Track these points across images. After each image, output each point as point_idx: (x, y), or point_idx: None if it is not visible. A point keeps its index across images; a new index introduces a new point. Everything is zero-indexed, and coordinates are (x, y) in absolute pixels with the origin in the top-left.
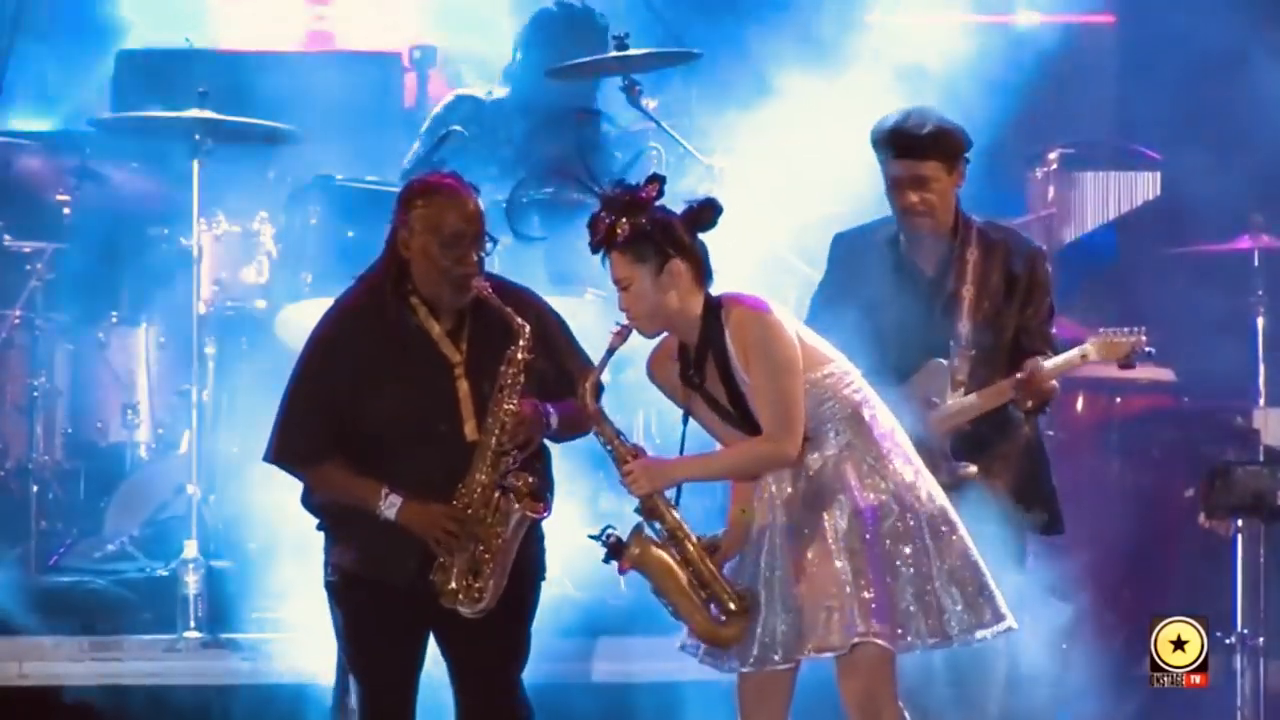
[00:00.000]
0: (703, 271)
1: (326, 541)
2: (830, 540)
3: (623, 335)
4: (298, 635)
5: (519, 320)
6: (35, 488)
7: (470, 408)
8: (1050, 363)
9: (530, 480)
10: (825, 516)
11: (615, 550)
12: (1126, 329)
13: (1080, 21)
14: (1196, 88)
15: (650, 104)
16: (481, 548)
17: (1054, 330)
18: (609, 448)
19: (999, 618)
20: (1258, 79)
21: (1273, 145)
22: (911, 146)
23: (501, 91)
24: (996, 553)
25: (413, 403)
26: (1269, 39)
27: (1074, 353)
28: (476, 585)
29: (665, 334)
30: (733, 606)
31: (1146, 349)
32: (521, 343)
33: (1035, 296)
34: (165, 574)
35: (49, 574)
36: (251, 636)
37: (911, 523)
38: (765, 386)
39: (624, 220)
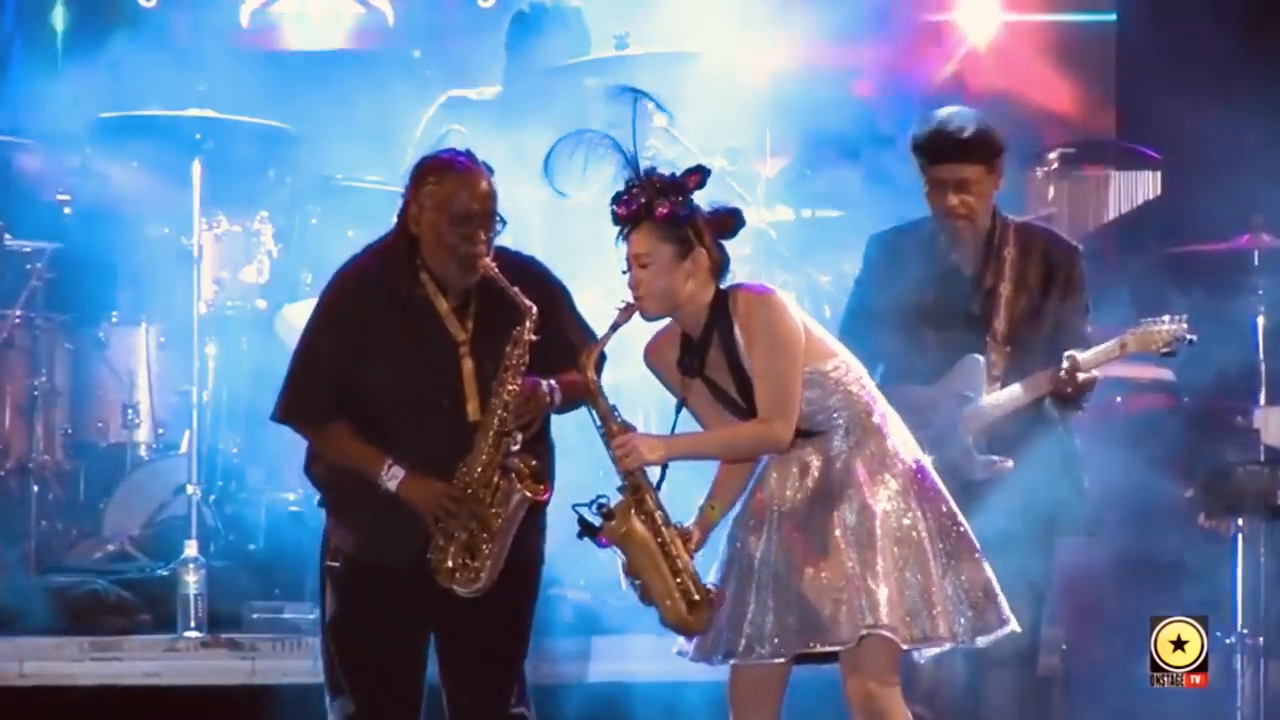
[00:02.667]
0: (720, 268)
1: (327, 521)
2: (839, 535)
3: (628, 313)
4: (298, 635)
5: (526, 301)
6: (35, 487)
7: (474, 386)
8: (1089, 353)
9: (533, 463)
10: (835, 513)
11: (596, 524)
12: (1167, 317)
13: (1080, 22)
14: (1197, 86)
15: (649, 104)
16: (480, 528)
17: (1089, 329)
18: (600, 424)
19: (1002, 621)
20: (1258, 77)
21: (1274, 144)
22: (954, 150)
23: (490, 91)
24: (1023, 554)
25: (416, 377)
26: (1269, 37)
27: (1113, 343)
28: (474, 565)
29: (664, 321)
30: (697, 597)
31: (1189, 336)
32: (528, 323)
33: (1071, 295)
34: (165, 574)
35: (49, 574)
36: (251, 636)
37: (919, 523)
38: (763, 366)
39: (662, 199)
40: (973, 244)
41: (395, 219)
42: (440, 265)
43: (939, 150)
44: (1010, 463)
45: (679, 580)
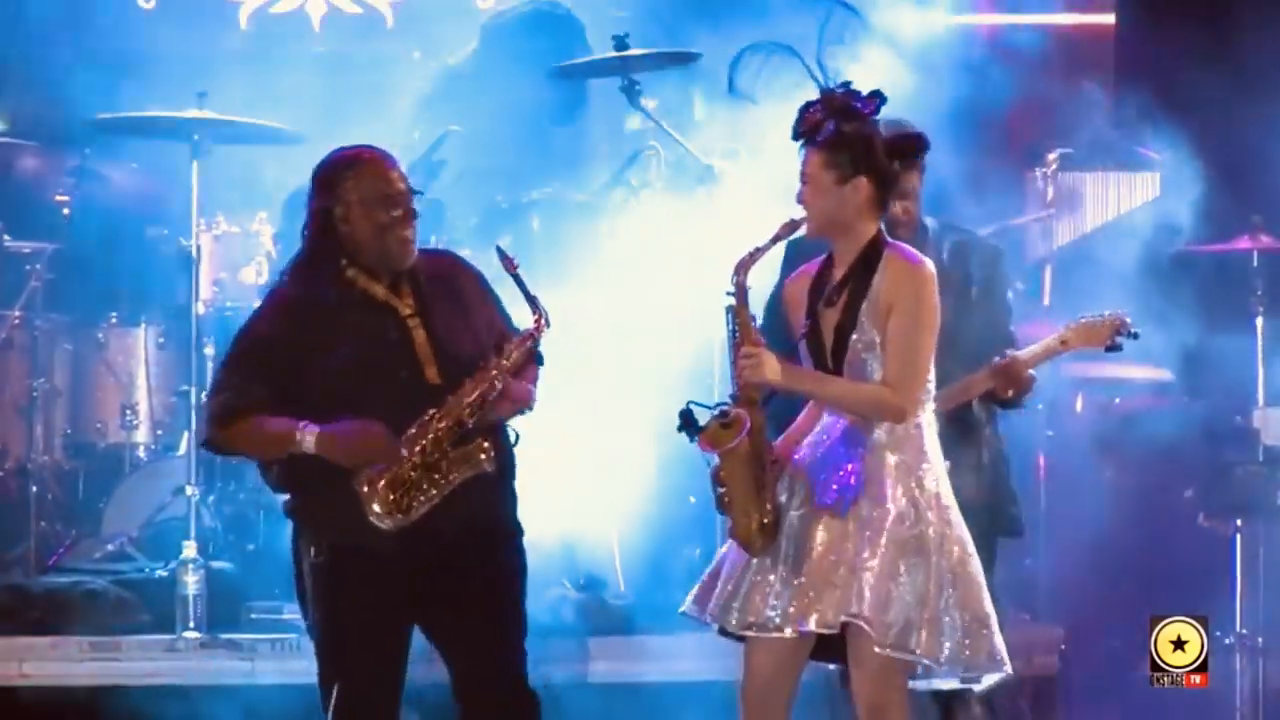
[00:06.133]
0: (885, 199)
1: (301, 524)
2: (852, 523)
3: (791, 227)
4: (297, 635)
5: (541, 313)
6: (34, 488)
7: (429, 352)
8: (1026, 351)
9: (499, 442)
10: (850, 499)
11: (699, 425)
12: (1106, 311)
13: (1080, 22)
14: (1196, 86)
15: (650, 104)
16: (433, 472)
17: (1012, 328)
18: (736, 331)
19: (996, 661)
20: (1258, 78)
21: (1273, 145)
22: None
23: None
24: None
25: (369, 355)
26: (1268, 37)
27: (1052, 339)
28: (405, 501)
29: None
30: (767, 521)
31: (1131, 330)
32: (540, 329)
33: (995, 295)
34: (164, 574)
35: (48, 574)
36: (250, 637)
37: (927, 536)
38: (903, 338)
39: (832, 122)
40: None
41: (306, 230)
42: (380, 252)
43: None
44: (946, 462)
45: (762, 499)
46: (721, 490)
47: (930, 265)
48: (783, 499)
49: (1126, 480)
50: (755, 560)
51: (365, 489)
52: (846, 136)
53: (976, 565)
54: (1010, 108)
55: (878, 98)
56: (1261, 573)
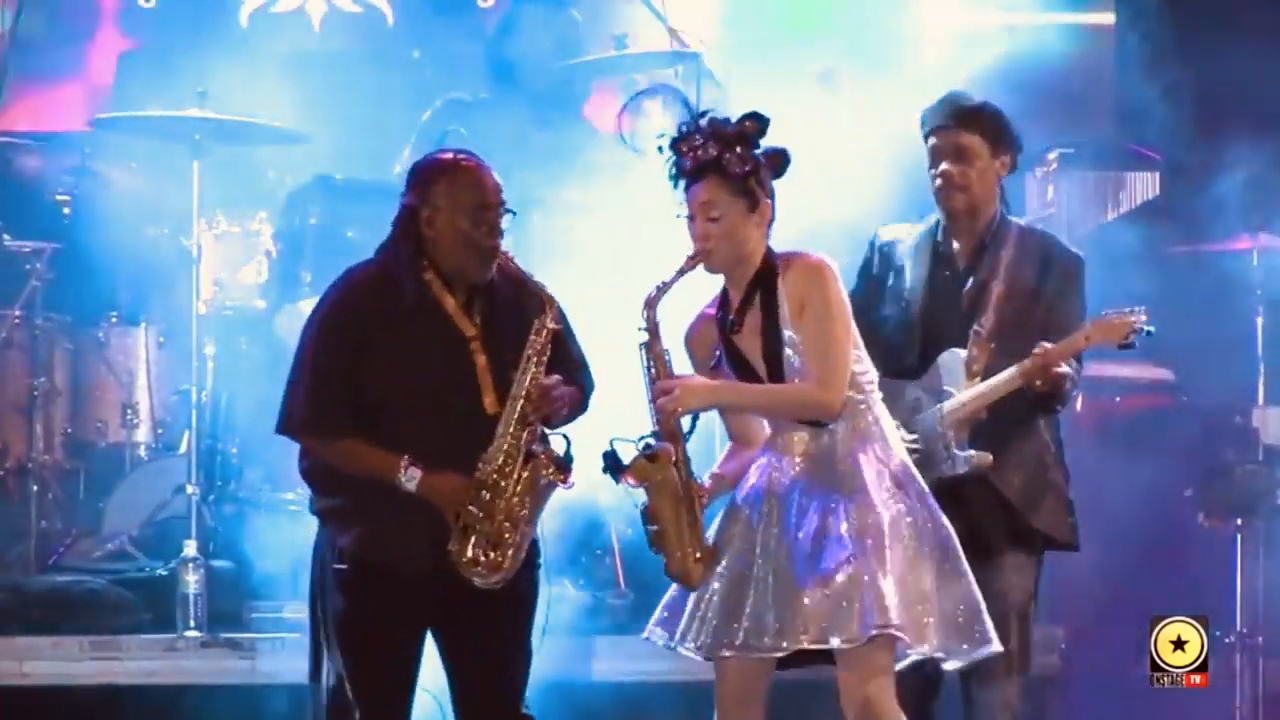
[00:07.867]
0: (772, 218)
1: (328, 527)
2: (846, 533)
3: (694, 261)
4: (298, 635)
5: (547, 291)
6: (35, 487)
7: (489, 380)
8: (1058, 344)
9: (556, 453)
10: (843, 510)
11: (624, 463)
12: (1126, 309)
13: (1080, 22)
14: (1196, 87)
15: (649, 104)
16: (504, 518)
17: None
18: (651, 365)
19: (985, 640)
20: (1257, 77)
21: (1273, 144)
22: (955, 115)
23: (485, 93)
24: (1004, 560)
25: (428, 376)
26: (1267, 36)
27: (1077, 334)
28: (494, 556)
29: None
30: (700, 555)
31: (1145, 328)
32: (550, 312)
33: (1066, 304)
34: (165, 574)
35: (49, 573)
36: (251, 636)
37: (915, 528)
38: (816, 334)
39: (736, 151)
40: (971, 237)
41: (394, 225)
42: (459, 262)
43: (942, 114)
44: (990, 457)
45: (694, 533)
46: (654, 529)
47: (830, 261)
48: (753, 522)
49: (1126, 480)
50: (745, 586)
51: (460, 565)
52: (753, 163)
53: (950, 534)
54: (1010, 107)
55: (758, 120)
56: (1261, 573)
